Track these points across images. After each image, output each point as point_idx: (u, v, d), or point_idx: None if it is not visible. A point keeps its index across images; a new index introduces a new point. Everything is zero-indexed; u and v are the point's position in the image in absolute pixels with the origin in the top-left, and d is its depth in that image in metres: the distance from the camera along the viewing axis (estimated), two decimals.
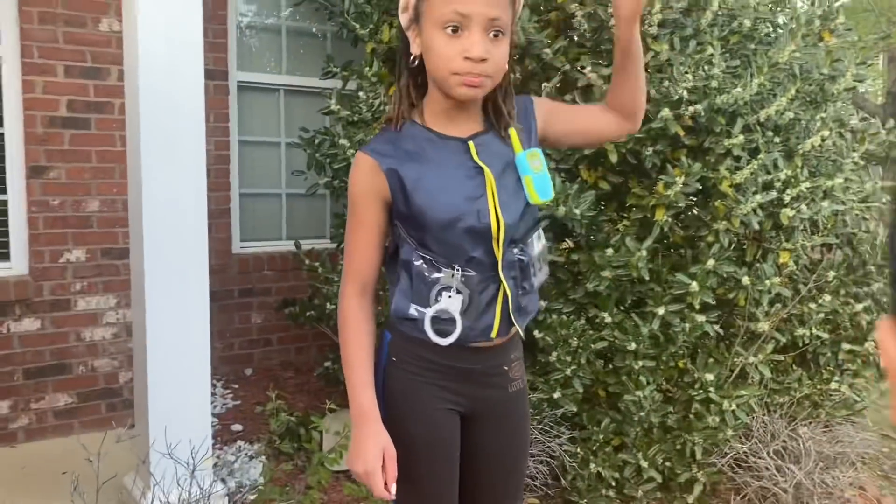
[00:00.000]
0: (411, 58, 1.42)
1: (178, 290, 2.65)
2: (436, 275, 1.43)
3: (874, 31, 6.02)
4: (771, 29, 3.24)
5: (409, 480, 1.49)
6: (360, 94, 3.18)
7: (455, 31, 1.32)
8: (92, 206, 3.45)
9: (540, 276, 1.54)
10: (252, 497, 2.53)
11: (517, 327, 1.50)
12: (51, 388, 3.43)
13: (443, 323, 1.44)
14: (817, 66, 3.03)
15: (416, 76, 1.47)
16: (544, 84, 2.84)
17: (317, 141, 3.34)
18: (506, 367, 1.55)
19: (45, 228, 3.37)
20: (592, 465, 2.78)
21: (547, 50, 2.85)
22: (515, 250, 1.47)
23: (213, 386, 3.98)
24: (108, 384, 3.56)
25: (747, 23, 2.96)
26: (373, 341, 1.49)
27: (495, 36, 1.34)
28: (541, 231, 1.56)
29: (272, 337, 4.38)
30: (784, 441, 2.89)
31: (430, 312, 1.43)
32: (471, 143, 1.45)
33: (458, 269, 1.43)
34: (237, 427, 3.54)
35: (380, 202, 1.43)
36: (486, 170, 1.43)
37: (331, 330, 3.45)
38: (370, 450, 1.38)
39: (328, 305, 3.29)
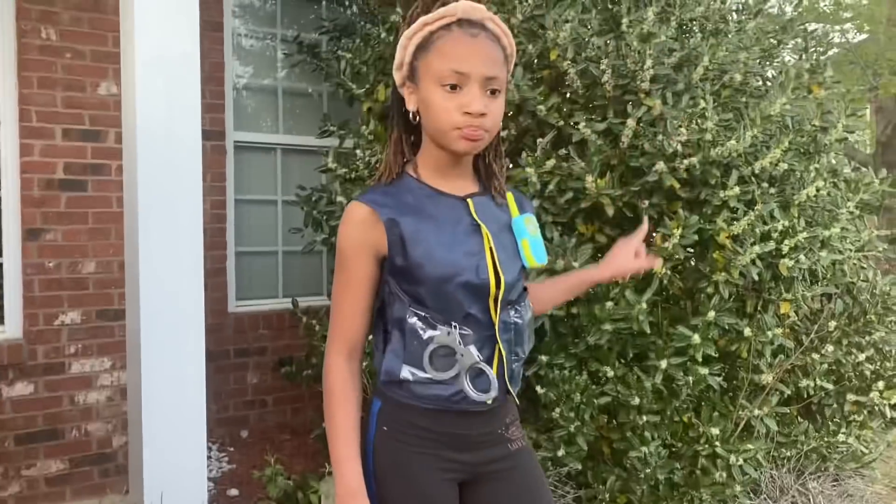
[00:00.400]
0: (409, 114, 1.43)
1: (173, 351, 2.62)
2: (431, 333, 1.38)
3: (861, 82, 6.14)
4: (761, 82, 3.29)
5: None
6: (357, 152, 3.20)
7: (453, 88, 1.34)
8: (88, 267, 3.43)
9: (529, 344, 1.51)
10: None
11: (511, 393, 1.46)
12: (42, 454, 3.35)
13: (476, 380, 1.40)
14: (808, 118, 3.06)
15: (409, 132, 1.47)
16: (539, 140, 2.87)
17: (314, 198, 3.36)
18: (500, 431, 1.49)
19: (40, 291, 3.34)
20: None
21: (541, 107, 2.89)
22: (512, 312, 1.44)
23: (209, 449, 3.90)
24: (102, 449, 3.48)
25: (738, 77, 3.01)
26: (360, 410, 1.42)
27: (492, 93, 1.36)
28: (529, 300, 1.54)
29: (268, 398, 4.32)
30: (793, 496, 2.83)
31: (465, 362, 1.39)
32: (469, 201, 1.45)
33: (455, 327, 1.39)
34: (233, 492, 3.45)
35: (373, 256, 1.40)
36: (483, 227, 1.42)
37: None
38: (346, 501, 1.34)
39: None
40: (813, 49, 3.49)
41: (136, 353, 2.61)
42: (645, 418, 2.65)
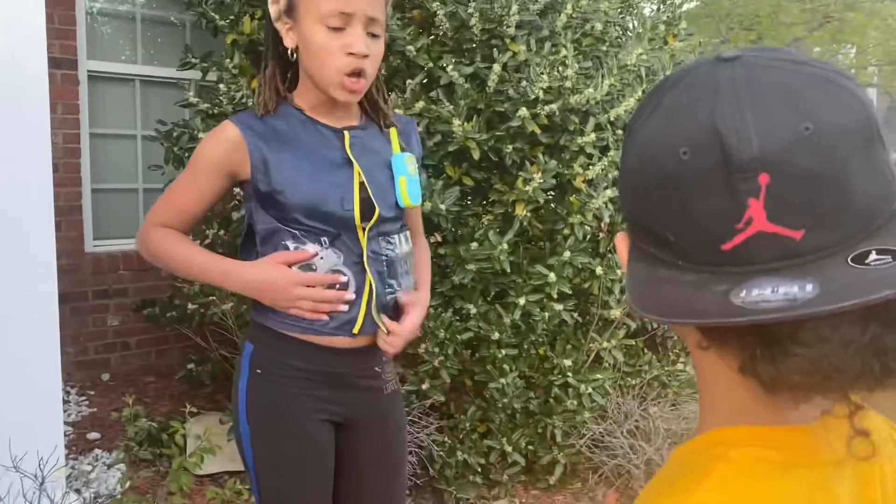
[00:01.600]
0: (287, 51, 1.40)
1: (22, 293, 2.49)
2: (300, 247, 1.39)
3: (715, 35, 6.51)
4: (621, 32, 3.43)
5: (281, 498, 1.43)
6: (221, 86, 3.10)
7: (336, 29, 1.32)
8: None
9: (408, 279, 1.52)
10: None
11: (382, 326, 1.43)
12: None
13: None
14: (662, 69, 3.24)
15: (285, 69, 1.45)
16: (408, 81, 2.88)
17: (175, 134, 3.23)
18: (377, 369, 1.50)
19: None
20: (459, 453, 2.86)
21: (410, 48, 2.89)
22: (383, 243, 1.45)
23: (67, 393, 3.76)
24: None
25: (599, 26, 3.12)
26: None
27: (373, 36, 1.36)
28: (408, 235, 1.54)
29: (130, 340, 4.19)
30: (636, 420, 3.09)
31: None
32: (346, 133, 1.43)
33: (325, 242, 1.40)
34: (94, 435, 3.36)
35: (227, 176, 1.40)
36: (355, 162, 1.42)
37: (192, 332, 3.35)
38: (268, 271, 1.36)
39: (190, 306, 3.18)
40: (671, 2, 3.66)
41: None
42: (504, 352, 2.80)
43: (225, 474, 2.90)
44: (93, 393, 3.87)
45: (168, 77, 4.20)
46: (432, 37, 3.03)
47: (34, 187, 2.52)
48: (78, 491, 2.69)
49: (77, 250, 3.96)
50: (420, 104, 2.82)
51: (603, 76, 2.87)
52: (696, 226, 0.50)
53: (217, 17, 3.24)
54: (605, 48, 3.22)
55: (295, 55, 1.40)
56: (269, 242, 1.41)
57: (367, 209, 1.42)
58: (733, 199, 0.48)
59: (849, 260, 0.47)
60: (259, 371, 1.43)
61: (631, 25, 3.53)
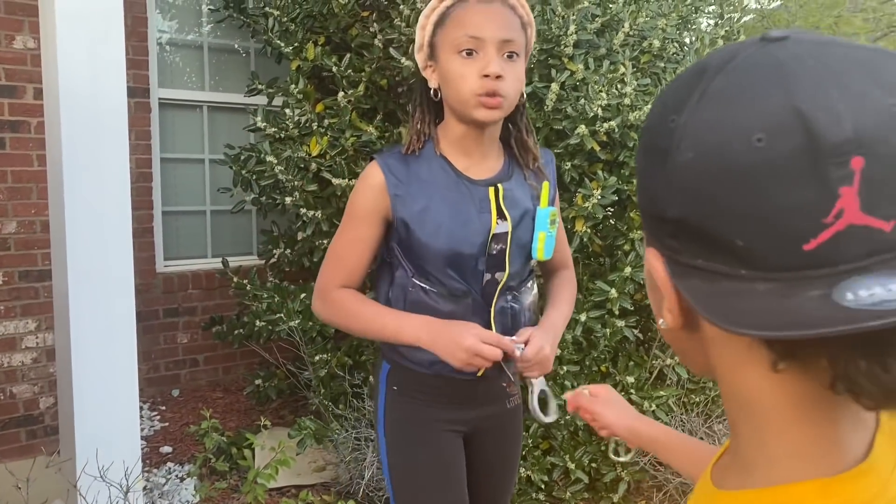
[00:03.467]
0: (431, 91, 1.42)
1: (103, 310, 2.61)
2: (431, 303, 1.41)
3: None
4: (678, 48, 3.43)
5: None
6: (287, 111, 3.20)
7: (469, 54, 1.34)
8: (8, 227, 3.35)
9: (527, 325, 1.52)
10: None
11: (509, 374, 1.51)
12: None
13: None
14: None
15: (433, 113, 1.46)
16: None
17: (242, 157, 3.35)
18: (505, 385, 1.55)
19: None
20: (522, 470, 2.87)
21: None
22: (509, 297, 1.47)
23: (140, 408, 3.89)
24: (28, 411, 3.45)
25: (656, 43, 3.13)
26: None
27: (509, 57, 1.36)
28: (534, 283, 1.56)
29: (199, 357, 4.33)
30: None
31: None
32: (500, 188, 1.43)
33: (471, 292, 1.43)
34: (166, 449, 3.48)
35: (382, 220, 1.42)
36: (509, 218, 1.42)
37: (261, 347, 3.45)
38: (456, 329, 1.32)
39: (257, 323, 3.28)
40: (728, 16, 3.65)
41: (64, 315, 2.59)
42: (566, 368, 2.81)
43: (292, 488, 2.97)
44: (164, 408, 4.00)
45: (234, 103, 4.36)
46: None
47: (114, 210, 2.65)
48: (154, 502, 2.79)
49: (149, 270, 4.12)
50: None
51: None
52: (774, 224, 0.43)
53: (282, 44, 3.36)
54: (662, 64, 3.23)
55: (439, 94, 1.41)
56: (401, 292, 1.44)
57: (497, 265, 1.43)
58: (822, 189, 0.42)
59: None
60: (395, 388, 1.51)
61: (688, 41, 3.53)
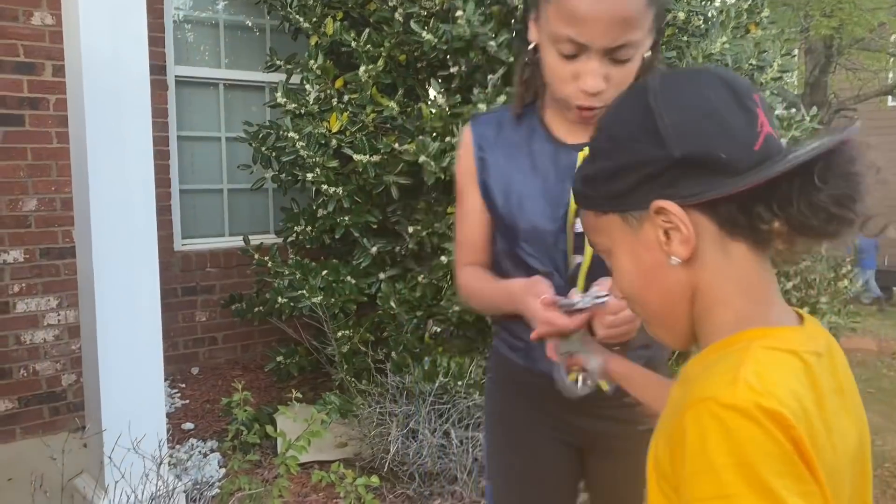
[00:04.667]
0: (529, 46, 1.22)
1: (128, 287, 2.61)
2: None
3: (793, 24, 6.33)
4: (702, 21, 3.39)
5: None
6: (307, 87, 3.18)
7: (569, 57, 1.12)
8: (29, 205, 3.35)
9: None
10: (213, 493, 2.53)
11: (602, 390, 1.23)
12: None
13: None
14: (746, 57, 3.19)
15: (534, 70, 1.24)
16: (490, 76, 2.91)
17: (262, 135, 3.33)
18: (627, 399, 1.17)
19: None
20: None
21: (491, 43, 2.92)
22: (595, 288, 1.20)
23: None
24: (51, 387, 3.47)
25: (681, 15, 3.09)
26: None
27: (618, 62, 1.11)
28: None
29: (218, 335, 4.34)
30: None
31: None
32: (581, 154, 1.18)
33: (553, 273, 1.23)
34: (188, 426, 3.50)
35: (480, 186, 1.29)
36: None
37: (284, 324, 3.45)
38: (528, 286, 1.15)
39: (279, 299, 3.28)
40: None
41: (89, 292, 2.59)
42: None
43: (315, 463, 2.99)
44: (184, 386, 4.02)
45: (250, 80, 4.34)
46: (513, 32, 3.05)
47: (138, 188, 2.64)
48: (178, 478, 2.81)
49: (167, 249, 4.11)
50: (502, 98, 2.84)
51: (687, 65, 2.84)
52: (736, 136, 0.69)
53: (301, 19, 3.33)
54: (686, 38, 3.19)
55: (538, 53, 1.20)
56: (496, 262, 1.32)
57: (578, 246, 1.22)
58: (749, 114, 0.70)
59: None
60: (491, 376, 1.39)
61: (712, 14, 3.49)
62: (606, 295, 1.09)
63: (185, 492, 2.63)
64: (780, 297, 0.76)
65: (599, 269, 1.12)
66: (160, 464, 2.03)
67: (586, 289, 1.16)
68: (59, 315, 3.47)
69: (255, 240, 3.94)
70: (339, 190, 3.09)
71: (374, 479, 2.45)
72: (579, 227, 1.18)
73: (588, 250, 1.19)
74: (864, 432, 0.75)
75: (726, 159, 0.69)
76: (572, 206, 1.19)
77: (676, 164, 0.70)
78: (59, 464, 1.88)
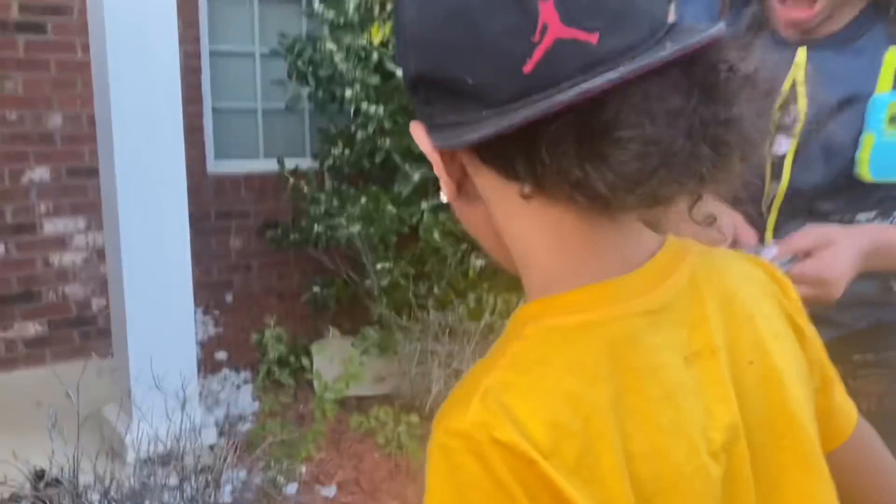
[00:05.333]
0: None
1: (153, 210, 2.45)
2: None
3: None
4: None
5: None
6: None
7: None
8: (54, 121, 3.18)
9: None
10: (245, 428, 2.40)
11: None
12: (19, 316, 3.23)
13: None
14: None
15: None
16: None
17: (298, 48, 3.09)
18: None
19: (2, 145, 3.10)
20: None
21: None
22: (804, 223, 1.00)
23: (194, 313, 3.80)
24: (81, 311, 3.37)
25: None
26: None
27: None
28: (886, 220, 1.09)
29: (253, 262, 4.18)
30: None
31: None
32: (801, 52, 1.00)
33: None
34: (221, 355, 3.38)
35: None
36: (801, 100, 0.99)
37: (319, 253, 3.27)
38: None
39: (315, 227, 3.09)
40: None
41: (113, 214, 2.44)
42: None
43: (353, 398, 2.85)
44: (217, 313, 3.89)
45: None
46: None
47: (164, 103, 2.44)
48: (209, 410, 2.69)
49: (199, 170, 3.93)
50: None
51: None
52: (491, 53, 0.47)
53: None
54: None
55: None
56: None
57: (779, 172, 0.98)
58: (523, 10, 0.46)
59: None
60: None
61: None
62: (792, 259, 0.86)
63: (216, 424, 2.52)
64: (627, 243, 0.55)
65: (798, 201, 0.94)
66: (184, 404, 1.89)
67: (776, 234, 0.96)
68: (87, 237, 3.33)
69: (291, 163, 3.73)
70: (380, 109, 2.84)
71: (414, 418, 2.31)
72: (783, 147, 0.95)
73: (785, 176, 0.97)
74: (774, 392, 0.57)
75: (474, 85, 0.48)
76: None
77: (420, 80, 0.52)
78: (75, 399, 1.74)
